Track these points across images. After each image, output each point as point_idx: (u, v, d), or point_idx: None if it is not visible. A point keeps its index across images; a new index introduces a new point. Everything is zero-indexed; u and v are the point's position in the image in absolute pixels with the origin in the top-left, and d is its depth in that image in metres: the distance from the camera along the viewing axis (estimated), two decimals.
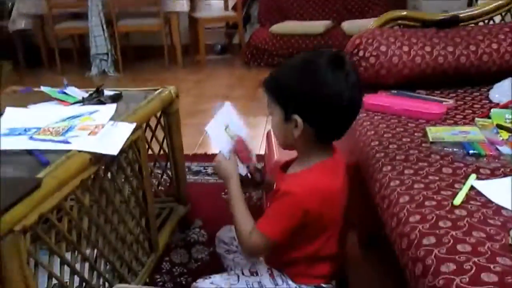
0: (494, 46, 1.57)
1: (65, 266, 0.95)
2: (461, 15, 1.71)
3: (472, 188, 0.95)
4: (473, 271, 0.70)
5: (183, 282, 1.42)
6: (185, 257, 1.54)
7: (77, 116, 1.18)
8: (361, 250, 1.54)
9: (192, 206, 1.71)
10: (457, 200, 0.89)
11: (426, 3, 3.86)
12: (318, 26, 4.05)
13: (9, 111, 1.22)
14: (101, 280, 1.09)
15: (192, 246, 1.59)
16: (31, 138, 1.05)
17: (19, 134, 1.08)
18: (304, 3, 4.41)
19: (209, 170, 2.16)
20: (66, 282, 0.96)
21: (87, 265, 1.03)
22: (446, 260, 0.74)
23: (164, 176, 1.69)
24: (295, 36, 4.06)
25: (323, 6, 4.38)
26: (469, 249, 0.75)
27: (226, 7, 4.73)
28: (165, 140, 1.59)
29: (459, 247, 0.76)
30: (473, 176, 0.99)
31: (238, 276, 1.08)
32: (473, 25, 1.76)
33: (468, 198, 0.91)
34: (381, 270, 1.42)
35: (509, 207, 0.86)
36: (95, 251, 1.06)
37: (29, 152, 0.99)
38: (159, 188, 1.68)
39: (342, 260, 1.07)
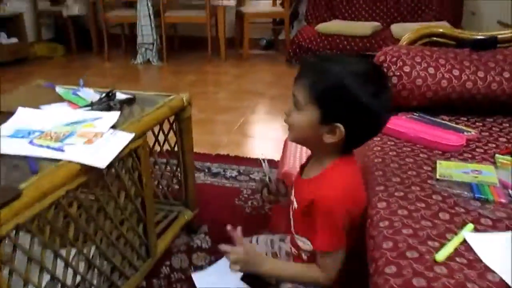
0: None
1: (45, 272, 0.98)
2: (500, 36, 1.57)
3: (464, 241, 0.87)
4: None
5: None
6: (185, 262, 1.55)
7: (81, 122, 1.20)
8: None
9: (202, 209, 1.72)
10: (440, 256, 0.82)
11: (484, 10, 3.63)
12: (366, 27, 3.91)
13: (20, 111, 1.26)
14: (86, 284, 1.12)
15: (194, 252, 1.60)
16: (31, 142, 1.09)
17: (22, 136, 1.12)
18: (354, 2, 4.28)
19: (228, 174, 2.16)
20: None
21: (71, 270, 1.06)
22: None
23: (175, 180, 1.71)
24: (341, 37, 3.95)
25: (374, 6, 4.23)
26: None
27: (274, 3, 4.68)
28: (176, 145, 1.60)
29: None
30: (470, 226, 0.91)
31: None
32: None
33: (455, 253, 0.84)
34: None
35: (496, 270, 0.78)
36: (80, 256, 1.09)
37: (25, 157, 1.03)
38: (169, 189, 1.70)
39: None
